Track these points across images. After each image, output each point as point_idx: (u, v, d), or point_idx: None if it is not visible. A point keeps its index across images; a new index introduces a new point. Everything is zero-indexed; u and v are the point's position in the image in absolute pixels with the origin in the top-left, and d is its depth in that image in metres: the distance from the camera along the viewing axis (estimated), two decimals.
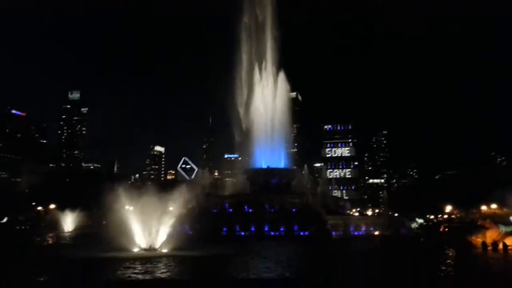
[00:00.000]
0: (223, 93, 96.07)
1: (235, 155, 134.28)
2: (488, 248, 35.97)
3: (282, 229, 57.35)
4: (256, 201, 68.10)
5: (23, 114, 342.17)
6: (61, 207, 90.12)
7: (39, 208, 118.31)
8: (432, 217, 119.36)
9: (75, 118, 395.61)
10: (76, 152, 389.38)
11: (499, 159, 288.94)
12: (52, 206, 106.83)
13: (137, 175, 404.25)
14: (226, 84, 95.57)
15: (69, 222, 79.56)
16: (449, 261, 26.79)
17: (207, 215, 61.26)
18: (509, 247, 35.41)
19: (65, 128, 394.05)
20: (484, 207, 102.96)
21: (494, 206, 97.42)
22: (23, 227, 77.33)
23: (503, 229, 37.91)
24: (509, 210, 54.53)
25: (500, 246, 35.71)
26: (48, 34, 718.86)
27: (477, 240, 37.45)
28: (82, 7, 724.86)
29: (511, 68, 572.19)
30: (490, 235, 37.13)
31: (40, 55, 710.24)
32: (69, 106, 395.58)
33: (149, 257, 31.15)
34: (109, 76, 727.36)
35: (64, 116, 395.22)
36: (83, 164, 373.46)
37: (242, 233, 57.34)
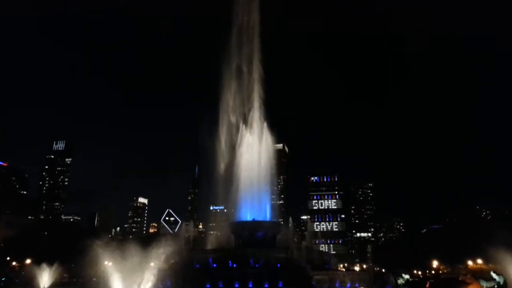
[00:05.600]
0: (209, 143, 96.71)
1: (220, 207, 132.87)
2: None
3: (266, 285, 55.96)
4: (241, 255, 66.74)
5: (5, 164, 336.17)
6: (38, 262, 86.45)
7: (14, 263, 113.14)
8: (419, 272, 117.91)
9: (59, 168, 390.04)
10: (56, 204, 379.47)
11: (484, 213, 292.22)
12: (28, 261, 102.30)
13: (118, 228, 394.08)
14: (212, 134, 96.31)
15: (45, 278, 75.88)
16: None
17: (189, 270, 59.58)
18: None
19: (47, 178, 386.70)
20: (470, 262, 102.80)
21: (479, 261, 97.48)
22: None
23: (484, 284, 38.12)
24: (495, 265, 54.70)
25: None
26: (36, 83, 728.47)
27: None
28: (69, 56, 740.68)
29: (493, 120, 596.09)
30: None
31: (26, 104, 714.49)
32: (52, 157, 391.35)
33: None
34: (94, 126, 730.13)
35: (47, 167, 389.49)
36: (63, 217, 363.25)
37: None
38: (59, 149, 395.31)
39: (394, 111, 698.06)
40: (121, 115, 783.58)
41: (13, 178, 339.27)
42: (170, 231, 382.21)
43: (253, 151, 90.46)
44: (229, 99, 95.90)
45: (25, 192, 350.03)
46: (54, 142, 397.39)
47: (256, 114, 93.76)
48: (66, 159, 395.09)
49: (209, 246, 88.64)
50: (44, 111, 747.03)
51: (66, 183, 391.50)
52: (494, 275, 39.60)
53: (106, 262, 37.43)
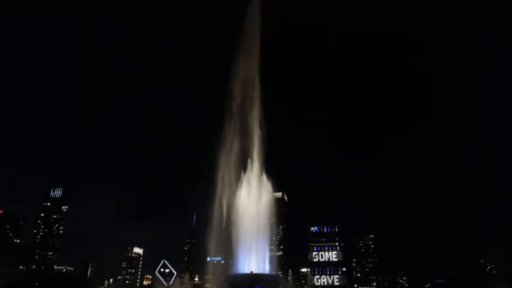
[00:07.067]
0: (207, 192, 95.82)
1: (217, 258, 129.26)
2: None
3: None
4: None
5: (0, 211, 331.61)
6: None
7: None
8: None
9: (54, 216, 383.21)
10: (50, 253, 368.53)
11: (488, 267, 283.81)
12: None
13: (111, 280, 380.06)
14: (209, 183, 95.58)
15: None
16: None
17: None
18: None
19: (42, 226, 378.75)
20: None
21: None
22: None
23: None
24: None
25: None
26: (36, 128, 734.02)
27: None
28: (67, 106, 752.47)
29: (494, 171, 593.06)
30: None
31: (25, 149, 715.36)
32: (49, 204, 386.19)
33: None
34: (92, 172, 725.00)
35: (42, 214, 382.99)
36: (56, 267, 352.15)
37: None
38: (56, 196, 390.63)
39: (396, 160, 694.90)
40: (119, 160, 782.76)
41: (7, 226, 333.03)
42: (165, 283, 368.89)
43: (252, 200, 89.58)
44: (228, 147, 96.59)
45: (18, 241, 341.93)
46: (52, 189, 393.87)
47: (255, 162, 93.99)
48: (63, 207, 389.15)
49: None
50: (41, 151, 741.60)
51: (61, 231, 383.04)
52: None
53: None
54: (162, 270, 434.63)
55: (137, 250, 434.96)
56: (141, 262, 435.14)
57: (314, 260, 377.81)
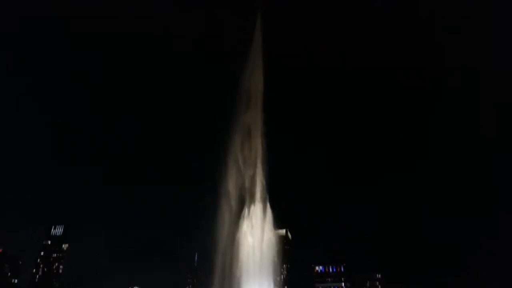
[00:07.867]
0: (209, 230, 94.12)
1: None
2: None
3: None
4: None
5: (0, 250, 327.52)
6: None
7: None
8: None
9: (54, 255, 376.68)
10: None
11: None
12: None
13: None
14: (211, 220, 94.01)
15: None
16: None
17: None
18: None
19: (41, 265, 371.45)
20: None
21: None
22: None
23: None
24: None
25: None
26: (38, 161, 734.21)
27: None
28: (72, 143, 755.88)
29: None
30: None
31: (24, 184, 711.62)
32: (49, 242, 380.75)
33: None
34: (93, 210, 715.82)
35: (42, 253, 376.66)
36: None
37: None
38: (57, 234, 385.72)
39: (403, 197, 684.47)
40: (120, 197, 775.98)
41: (6, 265, 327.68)
42: None
43: (254, 239, 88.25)
44: (230, 184, 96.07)
45: (16, 281, 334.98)
46: (53, 227, 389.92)
47: (257, 200, 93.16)
48: (63, 245, 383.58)
49: None
50: (42, 189, 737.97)
51: (61, 271, 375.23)
52: None
53: None
54: None
55: None
56: None
57: None
